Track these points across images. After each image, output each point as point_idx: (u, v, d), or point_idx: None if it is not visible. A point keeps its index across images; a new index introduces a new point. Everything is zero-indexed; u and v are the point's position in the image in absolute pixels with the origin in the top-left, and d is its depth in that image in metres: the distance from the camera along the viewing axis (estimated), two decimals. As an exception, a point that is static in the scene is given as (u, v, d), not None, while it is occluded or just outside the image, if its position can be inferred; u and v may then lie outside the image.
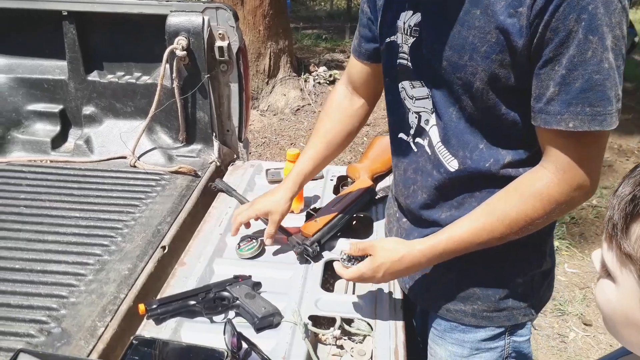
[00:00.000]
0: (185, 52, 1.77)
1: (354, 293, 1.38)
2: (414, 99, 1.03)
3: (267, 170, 1.85)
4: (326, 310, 1.23)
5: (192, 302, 1.19)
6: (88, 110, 1.94)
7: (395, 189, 1.22)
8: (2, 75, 1.93)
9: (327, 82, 5.31)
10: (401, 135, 1.11)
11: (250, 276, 1.30)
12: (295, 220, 1.57)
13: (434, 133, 1.01)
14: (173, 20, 1.78)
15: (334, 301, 1.27)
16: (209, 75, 1.82)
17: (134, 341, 1.09)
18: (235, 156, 2.00)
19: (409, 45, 1.01)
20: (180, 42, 1.77)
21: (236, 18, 1.80)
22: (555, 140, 0.86)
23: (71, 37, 1.87)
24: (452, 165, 1.00)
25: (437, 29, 0.93)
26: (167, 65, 1.81)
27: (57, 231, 1.45)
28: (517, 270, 1.06)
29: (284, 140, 4.46)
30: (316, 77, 5.33)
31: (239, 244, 1.42)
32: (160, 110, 1.85)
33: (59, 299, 1.21)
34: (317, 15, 8.81)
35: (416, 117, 1.04)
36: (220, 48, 1.81)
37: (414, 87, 1.03)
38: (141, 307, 1.16)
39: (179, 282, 1.30)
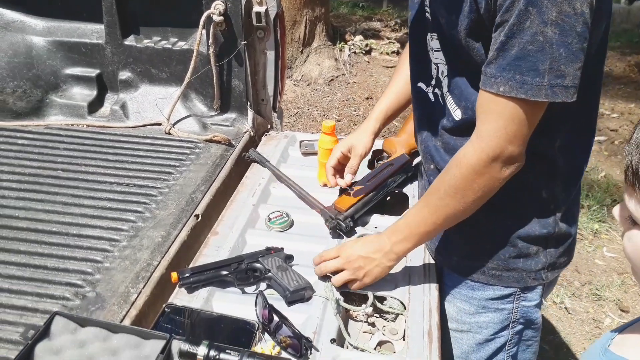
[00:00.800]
0: (222, 17, 1.73)
1: (387, 271, 1.35)
2: (433, 50, 1.08)
3: (301, 141, 1.81)
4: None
5: (224, 272, 1.18)
6: (124, 75, 1.93)
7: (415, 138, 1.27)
8: (41, 38, 1.93)
9: (363, 52, 5.18)
10: (420, 84, 1.16)
11: (282, 248, 1.28)
12: (328, 194, 1.54)
13: (445, 83, 1.06)
14: (210, -16, 1.74)
15: (367, 278, 1.24)
16: (245, 41, 1.77)
17: (166, 309, 1.10)
18: (269, 126, 1.97)
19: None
20: (218, 6, 1.73)
21: (274, -17, 1.74)
22: (485, 105, 0.90)
23: (109, 0, 1.85)
24: (457, 114, 1.05)
25: None
26: (204, 31, 1.77)
27: (93, 196, 1.46)
28: (525, 231, 1.06)
29: (317, 111, 4.41)
30: (352, 47, 5.21)
31: (269, 216, 1.41)
32: (195, 77, 1.82)
33: (93, 263, 1.22)
34: (354, -17, 8.56)
35: (435, 69, 1.08)
36: (258, 13, 1.76)
37: (433, 40, 1.07)
38: (174, 275, 1.16)
39: (211, 252, 1.29)
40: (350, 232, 1.35)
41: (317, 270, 1.18)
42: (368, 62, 5.13)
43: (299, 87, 4.82)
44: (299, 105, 4.51)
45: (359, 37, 5.38)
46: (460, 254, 1.14)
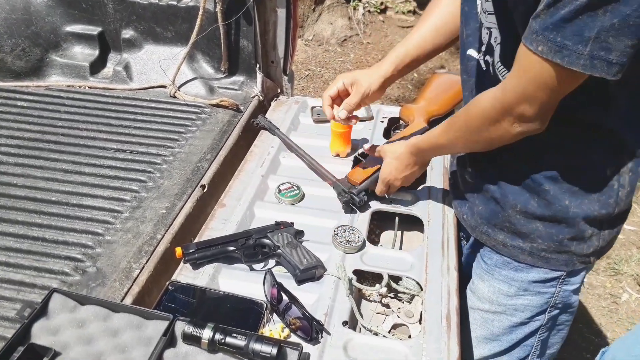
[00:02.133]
0: (229, -29, 1.61)
1: (401, 248, 1.29)
2: (486, 13, 0.96)
3: (312, 108, 1.72)
4: (372, 265, 1.15)
5: (231, 248, 1.12)
6: (127, 33, 1.83)
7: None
8: (39, -8, 1.82)
9: (378, 10, 4.96)
10: (471, 51, 1.04)
11: (292, 223, 1.21)
12: (340, 165, 1.46)
13: (497, 51, 0.96)
14: None
15: (381, 256, 1.18)
16: (254, -2, 1.65)
17: (169, 287, 1.05)
18: (279, 90, 1.87)
19: None
20: (225, -40, 1.60)
21: None
22: (519, 57, 0.84)
23: (109, -48, 1.73)
24: None
25: None
26: (210, -13, 1.65)
27: (94, 163, 1.39)
28: (584, 211, 0.98)
29: (329, 73, 4.26)
30: (366, 5, 4.98)
31: (279, 187, 1.33)
32: (202, 37, 1.71)
33: (94, 236, 1.17)
34: (369, -63, 8.18)
35: (487, 34, 0.97)
36: (268, -32, 1.63)
37: (487, 1, 0.94)
38: (178, 250, 1.10)
39: (217, 225, 1.23)
40: (364, 207, 1.28)
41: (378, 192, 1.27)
42: (383, 21, 4.93)
43: (310, 47, 4.65)
44: (309, 66, 4.36)
45: (373, -5, 5.15)
46: (509, 231, 1.06)
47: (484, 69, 1.01)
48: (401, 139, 1.29)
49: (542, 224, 1.01)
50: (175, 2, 1.77)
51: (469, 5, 1.02)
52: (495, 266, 1.11)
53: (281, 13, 1.69)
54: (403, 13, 5.00)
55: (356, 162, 1.40)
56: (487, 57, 0.99)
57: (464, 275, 1.34)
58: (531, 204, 1.00)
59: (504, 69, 0.94)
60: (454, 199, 1.23)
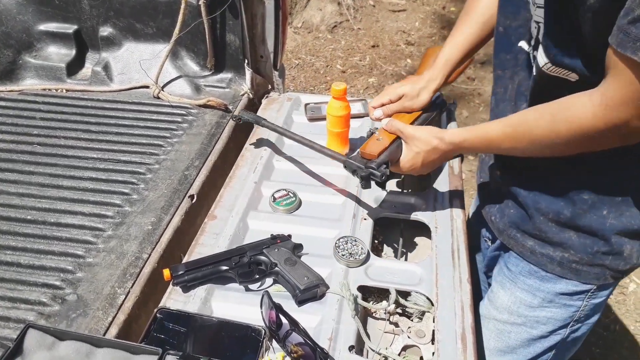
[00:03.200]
0: (212, -39, 1.49)
1: (406, 258, 1.20)
2: (535, 5, 0.88)
3: (306, 105, 1.62)
4: (378, 280, 1.06)
5: (224, 268, 1.03)
6: (105, 31, 1.71)
7: (499, 106, 1.06)
8: (8, -11, 1.70)
9: (368, -5, 4.83)
10: (522, 43, 0.95)
11: (289, 236, 1.12)
12: (338, 167, 1.36)
13: (542, 52, 0.88)
14: None
15: (387, 268, 1.09)
16: (240, -11, 1.54)
17: (158, 314, 0.96)
18: (269, 87, 1.77)
19: None
20: (206, -52, 1.49)
21: None
22: (619, 69, 0.73)
23: (81, -57, 1.60)
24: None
25: None
26: (192, -22, 1.54)
27: (73, 175, 1.29)
28: (623, 224, 0.91)
29: (320, 61, 4.14)
30: (356, -10, 4.85)
31: (273, 195, 1.24)
32: (185, 33, 1.60)
33: (74, 258, 1.07)
34: None
35: (536, 28, 0.89)
36: (253, -44, 1.52)
37: None
38: (166, 272, 1.01)
39: (208, 240, 1.13)
40: (386, 182, 1.12)
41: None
42: (373, 6, 4.80)
43: (299, 35, 4.52)
44: (300, 55, 4.24)
45: (363, -21, 5.00)
46: (539, 238, 0.99)
47: (533, 64, 0.92)
48: (413, 122, 1.19)
49: (576, 234, 0.95)
50: (155, -4, 1.65)
51: None
52: (520, 274, 1.04)
53: (269, 4, 1.57)
54: (394, -3, 4.87)
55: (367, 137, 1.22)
56: (536, 53, 0.90)
57: (482, 280, 1.27)
58: (565, 212, 0.94)
59: (557, 69, 0.85)
60: (483, 199, 1.17)
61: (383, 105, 1.20)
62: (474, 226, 1.29)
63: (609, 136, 0.79)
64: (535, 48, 0.90)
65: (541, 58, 0.87)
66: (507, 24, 0.98)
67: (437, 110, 1.29)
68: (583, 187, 0.91)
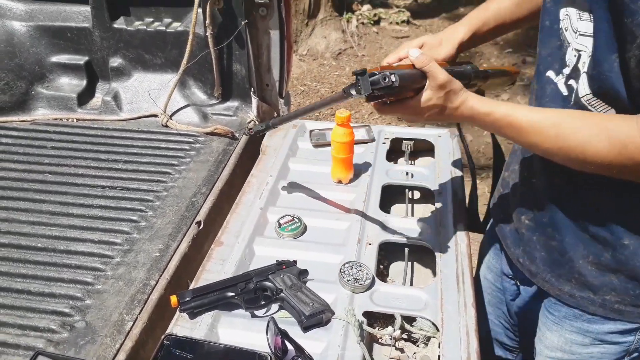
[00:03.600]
0: (219, -6, 1.55)
1: (412, 283, 1.21)
2: (577, 33, 0.84)
3: (311, 131, 1.65)
4: (383, 306, 1.07)
5: (231, 294, 1.04)
6: (115, 62, 1.76)
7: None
8: (23, 23, 1.76)
9: (372, 22, 4.93)
10: (550, 73, 0.91)
11: (295, 262, 1.13)
12: (343, 192, 1.39)
13: (583, 81, 0.84)
14: (205, -44, 1.55)
15: (392, 294, 1.10)
16: (246, 21, 1.59)
17: (165, 341, 0.96)
18: (275, 114, 1.80)
19: None
20: (214, -18, 1.54)
21: (277, -48, 1.55)
22: None
23: (93, -22, 1.67)
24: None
25: None
26: (200, 10, 1.59)
27: (83, 203, 1.31)
28: None
29: (325, 88, 4.21)
30: (359, 17, 4.95)
31: (279, 221, 1.26)
32: (193, 63, 1.65)
33: (83, 285, 1.09)
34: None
35: (575, 56, 0.85)
36: (259, -11, 1.57)
37: (580, 19, 0.83)
38: (173, 299, 1.02)
39: (215, 267, 1.15)
40: (391, 89, 0.90)
41: (381, 111, 0.93)
42: (377, 32, 4.89)
43: (305, 62, 4.60)
44: (305, 82, 4.31)
45: (366, 7, 5.11)
46: (577, 282, 0.96)
47: (565, 94, 0.89)
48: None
49: (617, 278, 0.91)
50: (163, 28, 1.71)
51: (550, 19, 0.90)
52: (564, 318, 1.01)
53: (274, 35, 1.62)
54: (397, 23, 4.97)
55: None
56: (571, 82, 0.87)
57: (517, 322, 1.23)
58: (605, 256, 0.91)
59: (598, 101, 0.82)
60: (503, 235, 1.12)
61: (400, 59, 1.00)
62: (492, 259, 1.25)
63: None
64: (572, 77, 0.87)
65: (583, 89, 0.83)
66: (538, 52, 0.95)
67: (469, 76, 1.05)
68: (623, 232, 0.88)
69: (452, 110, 0.89)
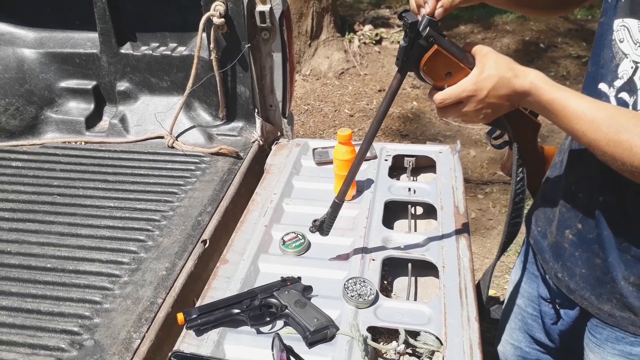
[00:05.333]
0: (223, 19, 1.60)
1: (415, 299, 1.22)
2: (638, 44, 0.81)
3: (314, 149, 1.68)
4: (387, 321, 1.08)
5: (236, 311, 1.06)
6: (122, 86, 1.81)
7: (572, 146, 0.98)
8: (32, 50, 1.82)
9: (374, 42, 5.00)
10: (602, 85, 0.88)
11: (299, 278, 1.15)
12: (346, 209, 1.40)
13: None
14: (209, -17, 1.60)
15: (396, 309, 1.11)
16: (249, 44, 1.64)
17: (172, 358, 0.98)
18: (279, 133, 1.84)
19: None
20: (218, 8, 1.59)
21: (278, -22, 1.60)
22: None
23: (101, 6, 1.72)
24: None
25: None
26: (204, 35, 1.64)
27: (91, 224, 1.34)
28: None
29: (328, 106, 4.26)
30: (361, 37, 5.02)
31: (283, 239, 1.28)
32: (198, 85, 1.69)
33: (92, 304, 1.11)
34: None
35: (632, 67, 0.82)
36: (262, 13, 1.62)
37: None
38: (180, 316, 1.04)
39: (221, 284, 1.17)
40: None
41: (437, 98, 0.92)
42: (379, 52, 4.95)
43: (308, 82, 4.66)
44: (309, 101, 4.36)
45: (368, 27, 5.19)
46: (619, 302, 0.94)
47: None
48: None
49: None
50: (169, 52, 1.75)
51: (605, 29, 0.87)
52: (606, 340, 0.99)
53: (277, 57, 1.67)
54: (398, 42, 5.03)
55: None
56: (623, 95, 0.85)
57: (560, 346, 1.18)
58: None
59: None
60: (541, 249, 1.10)
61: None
62: (524, 283, 1.21)
63: None
64: (624, 90, 0.84)
65: None
66: (592, 63, 0.93)
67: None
68: None
69: (507, 88, 0.86)
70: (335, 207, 1.14)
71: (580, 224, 0.97)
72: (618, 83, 0.85)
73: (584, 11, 5.88)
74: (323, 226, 1.16)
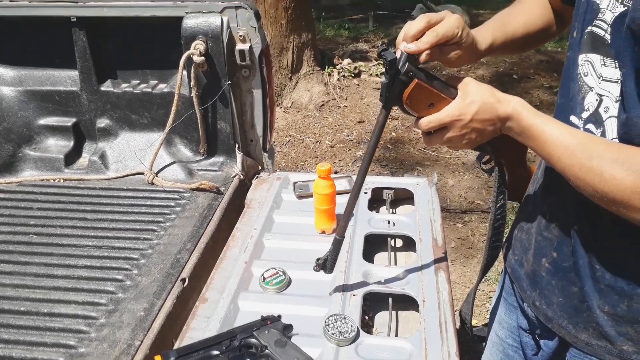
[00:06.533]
0: (203, 57, 1.62)
1: (397, 334, 1.22)
2: (601, 78, 0.85)
3: (294, 183, 1.69)
4: (368, 358, 1.07)
5: (216, 353, 1.04)
6: (102, 123, 1.81)
7: (546, 187, 1.01)
8: (11, 88, 1.81)
9: (352, 75, 5.10)
10: (572, 118, 0.91)
11: (279, 317, 1.14)
12: (327, 243, 1.41)
13: (609, 126, 0.84)
14: (189, 22, 1.63)
15: (377, 345, 1.10)
16: (229, 82, 1.66)
17: (149, 404, 0.96)
18: (259, 168, 1.85)
19: (615, 14, 0.81)
20: (198, 46, 1.62)
21: (258, 17, 1.64)
22: None
23: (82, 44, 1.74)
24: None
25: None
26: (185, 73, 1.66)
27: (68, 264, 1.32)
28: None
29: (309, 138, 4.30)
30: (340, 70, 5.13)
31: (263, 275, 1.27)
32: (178, 122, 1.70)
33: (66, 349, 1.08)
34: (339, 4, 8.57)
35: (597, 100, 0.86)
36: (242, 51, 1.65)
37: (605, 65, 0.84)
38: (157, 359, 1.02)
39: (200, 324, 1.15)
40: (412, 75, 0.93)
41: (422, 124, 0.94)
42: (358, 85, 5.05)
43: (289, 114, 4.71)
44: (290, 133, 4.40)
45: (347, 60, 5.31)
46: (595, 331, 0.95)
47: None
48: None
49: (633, 329, 0.90)
50: (150, 89, 1.77)
51: (571, 63, 0.91)
52: None
53: (257, 94, 1.69)
54: (376, 75, 5.14)
55: None
56: (590, 126, 0.87)
57: None
58: (620, 307, 0.90)
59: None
60: (518, 277, 1.10)
61: (417, 39, 0.91)
62: (504, 314, 1.22)
63: None
64: (590, 122, 0.87)
65: (611, 132, 0.84)
66: (561, 94, 0.96)
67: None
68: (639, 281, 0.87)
69: (490, 113, 0.89)
70: (337, 244, 1.15)
71: (556, 253, 0.98)
72: (585, 115, 0.88)
73: (554, 43, 6.12)
74: (326, 264, 1.16)
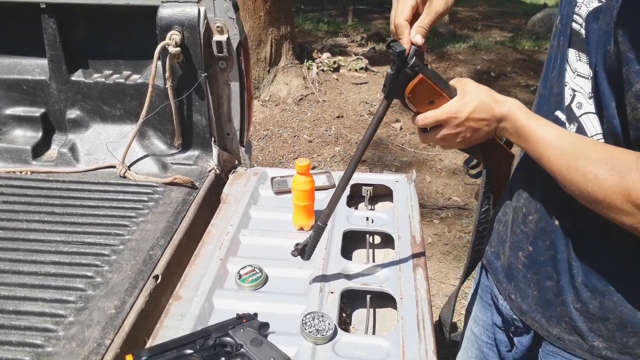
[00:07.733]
0: (179, 48, 1.58)
1: (374, 332, 1.21)
2: (576, 73, 0.85)
3: (272, 178, 1.67)
4: (345, 357, 1.06)
5: (189, 352, 1.01)
6: (72, 113, 1.74)
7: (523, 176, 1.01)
8: (-24, 76, 1.73)
9: (332, 69, 5.08)
10: (558, 113, 0.90)
11: (255, 315, 1.12)
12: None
13: (588, 122, 0.84)
14: (165, 12, 1.58)
15: (354, 344, 1.09)
16: (206, 74, 1.62)
17: (119, 406, 0.92)
18: (236, 162, 1.81)
19: (589, 8, 0.81)
20: (174, 37, 1.57)
21: (236, 8, 1.60)
22: None
23: (51, 32, 1.67)
24: None
25: (630, 4, 0.73)
26: (159, 63, 1.61)
27: (35, 260, 1.27)
28: None
29: (287, 132, 4.26)
30: (319, 64, 5.10)
31: (239, 272, 1.25)
32: (152, 114, 1.65)
33: (32, 348, 1.03)
34: (318, -2, 8.52)
35: (571, 95, 0.86)
36: (219, 43, 1.61)
37: (579, 60, 0.84)
38: (129, 359, 0.98)
39: (173, 322, 1.12)
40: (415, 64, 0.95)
41: (419, 119, 0.95)
42: (337, 79, 5.03)
43: (267, 107, 4.67)
44: (268, 126, 4.36)
45: (326, 55, 5.28)
46: (567, 326, 0.95)
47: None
48: None
49: (605, 325, 0.91)
50: (123, 80, 1.71)
51: (561, 59, 0.89)
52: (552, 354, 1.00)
53: (234, 86, 1.66)
54: (355, 70, 5.14)
55: None
56: (566, 121, 0.87)
57: None
58: (593, 303, 0.91)
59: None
60: (494, 270, 1.11)
61: (409, 21, 0.94)
62: (479, 311, 1.23)
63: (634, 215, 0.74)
64: (568, 119, 0.87)
65: (592, 128, 0.84)
66: (544, 86, 0.95)
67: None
68: (613, 278, 0.88)
69: (487, 113, 0.90)
70: (319, 230, 1.13)
71: (531, 247, 0.99)
72: (566, 109, 0.89)
73: (532, 42, 6.21)
74: (305, 250, 1.14)
